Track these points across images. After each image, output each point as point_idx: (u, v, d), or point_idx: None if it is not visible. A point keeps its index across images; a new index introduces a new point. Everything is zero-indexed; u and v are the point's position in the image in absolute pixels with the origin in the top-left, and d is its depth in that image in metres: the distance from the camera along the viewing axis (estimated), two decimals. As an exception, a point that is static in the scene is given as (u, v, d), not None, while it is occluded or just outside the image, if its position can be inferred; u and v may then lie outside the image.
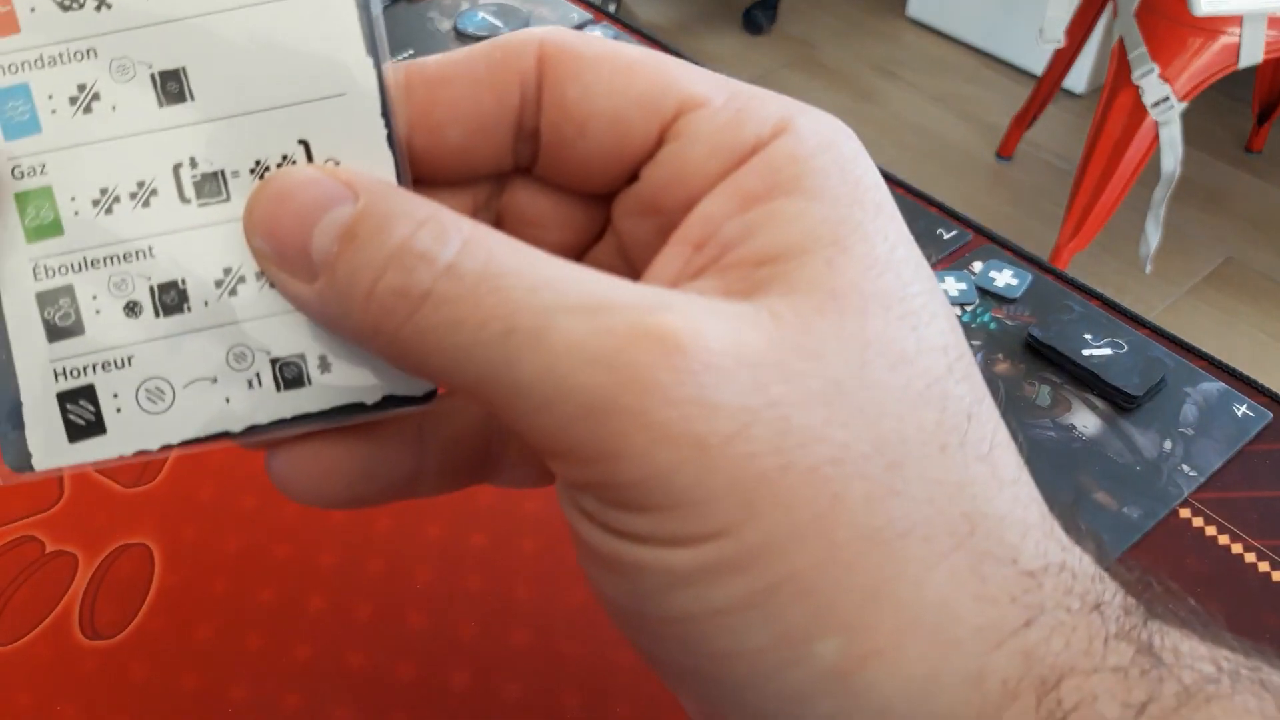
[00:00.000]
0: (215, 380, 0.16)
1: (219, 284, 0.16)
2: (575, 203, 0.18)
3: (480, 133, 0.17)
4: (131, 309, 0.16)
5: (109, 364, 0.16)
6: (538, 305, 0.14)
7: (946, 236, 0.37)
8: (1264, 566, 0.27)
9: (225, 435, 0.16)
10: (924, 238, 0.37)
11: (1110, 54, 1.15)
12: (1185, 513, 0.29)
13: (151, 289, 0.16)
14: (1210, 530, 0.28)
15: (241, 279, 0.16)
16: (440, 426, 0.18)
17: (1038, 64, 1.48)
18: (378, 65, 0.16)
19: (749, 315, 0.14)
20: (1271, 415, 0.31)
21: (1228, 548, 0.28)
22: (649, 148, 0.17)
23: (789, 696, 0.14)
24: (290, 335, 0.16)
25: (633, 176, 0.17)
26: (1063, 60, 1.32)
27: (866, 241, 0.15)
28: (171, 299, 0.16)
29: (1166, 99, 1.06)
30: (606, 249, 0.18)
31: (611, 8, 1.51)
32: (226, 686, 0.25)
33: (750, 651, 0.14)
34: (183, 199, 0.16)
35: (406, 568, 0.27)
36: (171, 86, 0.16)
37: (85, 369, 0.16)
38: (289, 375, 0.16)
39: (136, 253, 0.16)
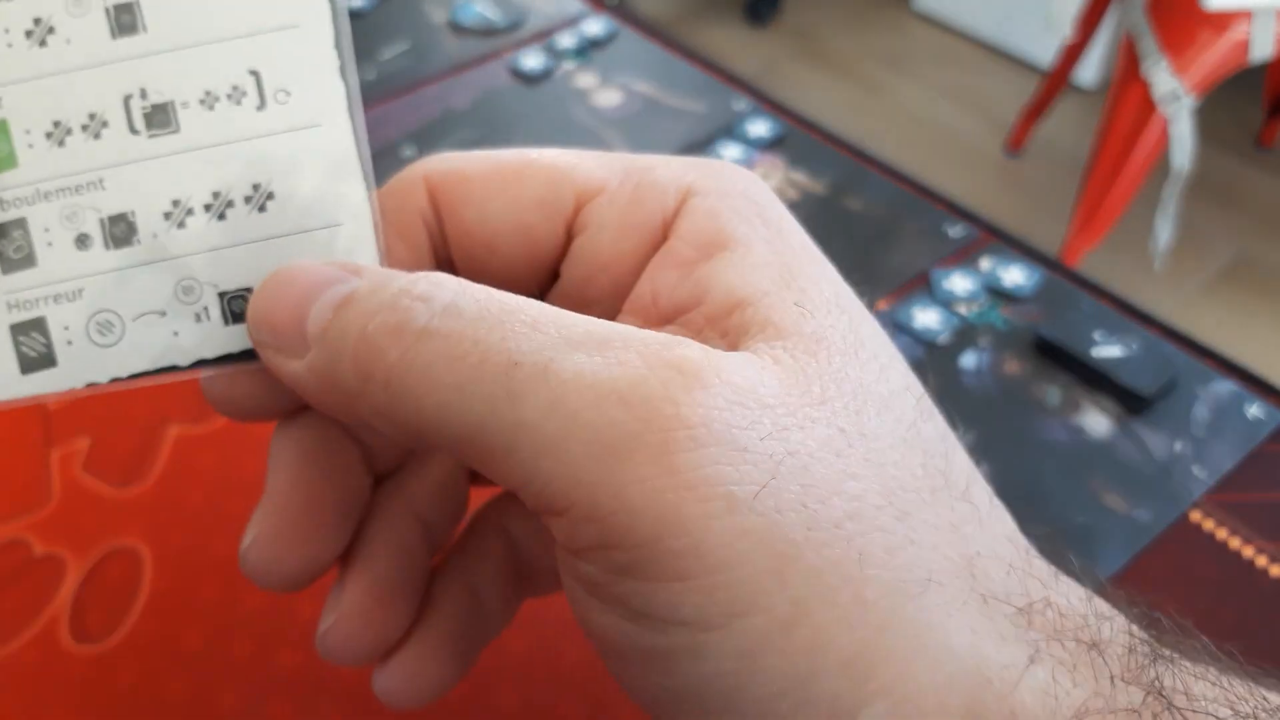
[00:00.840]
0: (164, 314, 0.16)
1: (168, 216, 0.16)
2: None
3: (494, 234, 0.17)
4: (82, 241, 0.16)
5: (60, 296, 0.16)
6: (542, 340, 0.13)
7: (954, 233, 0.37)
8: (1276, 570, 0.27)
9: (173, 369, 0.16)
10: (930, 234, 0.37)
11: (1119, 47, 1.14)
12: (1196, 515, 0.28)
13: (101, 221, 0.16)
14: (1221, 533, 0.28)
15: (190, 211, 0.16)
16: (479, 573, 0.18)
17: (1046, 57, 1.47)
18: None
19: (757, 358, 0.14)
20: (1285, 416, 0.30)
21: (1239, 551, 0.27)
22: (560, 246, 0.17)
23: None
24: (238, 269, 0.16)
25: (555, 276, 0.17)
26: (1072, 54, 1.31)
27: (815, 283, 0.15)
28: (121, 231, 0.16)
29: (1176, 94, 1.05)
30: None
31: (613, 0, 1.51)
32: (216, 692, 0.25)
33: None
34: (132, 130, 0.16)
35: (400, 572, 0.27)
36: (125, 19, 0.16)
37: (37, 301, 0.16)
38: (237, 309, 0.16)
39: (88, 184, 0.16)
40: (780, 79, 1.60)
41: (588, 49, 0.47)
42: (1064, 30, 1.24)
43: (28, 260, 0.16)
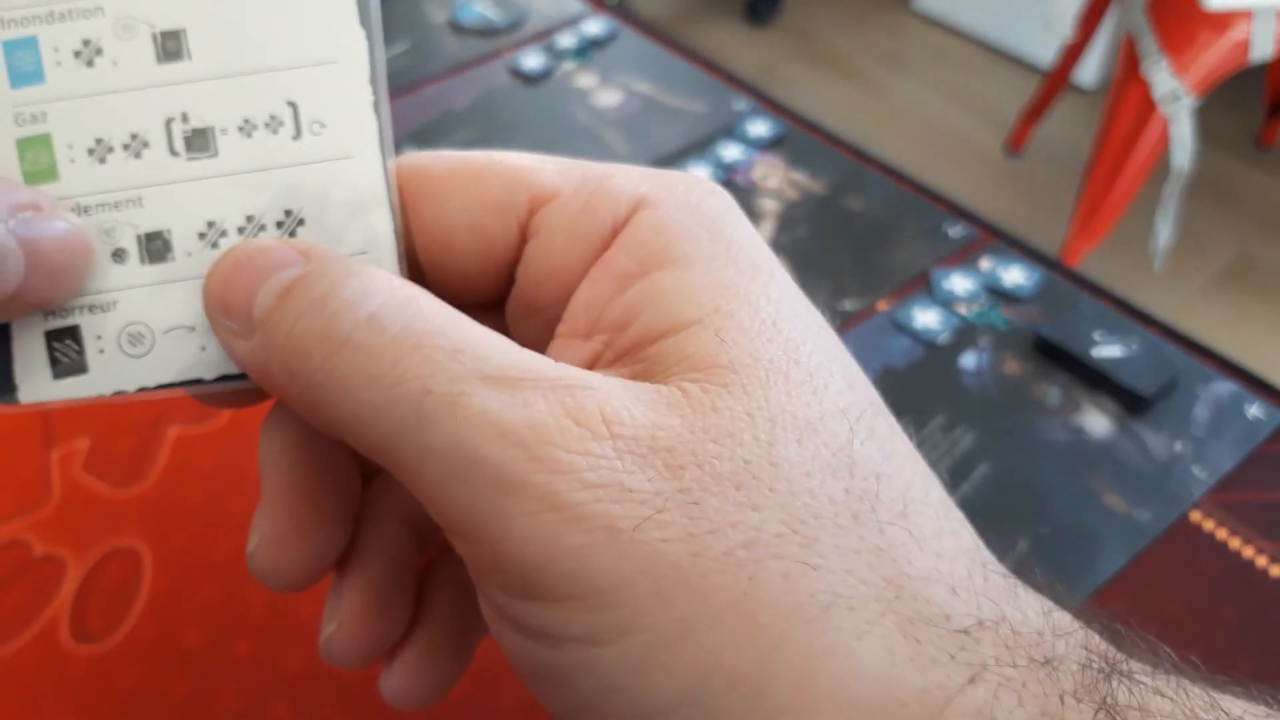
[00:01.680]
0: (193, 329, 0.17)
1: (202, 236, 0.17)
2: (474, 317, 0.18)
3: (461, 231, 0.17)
4: (119, 255, 0.17)
5: (95, 307, 0.17)
6: (457, 370, 0.14)
7: (954, 233, 0.37)
8: (1275, 570, 0.27)
9: (198, 382, 0.17)
10: (931, 234, 0.37)
11: (1119, 48, 1.14)
12: (1196, 515, 0.28)
13: (138, 237, 0.17)
14: (1221, 533, 0.28)
15: (223, 233, 0.17)
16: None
17: (1046, 57, 1.47)
18: (369, 36, 0.17)
19: (664, 397, 0.14)
20: (1285, 416, 0.30)
21: (1239, 551, 0.27)
22: (514, 249, 0.17)
23: None
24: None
25: (511, 280, 0.17)
26: (1072, 54, 1.31)
27: (750, 305, 0.15)
28: (157, 248, 0.17)
29: (1176, 94, 1.05)
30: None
31: (613, 0, 1.51)
32: (216, 693, 0.25)
33: None
34: (172, 152, 0.17)
35: (400, 572, 0.27)
36: (171, 45, 0.17)
37: (72, 310, 0.17)
38: None
39: (126, 201, 0.17)
40: (780, 79, 1.60)
41: (588, 49, 0.47)
42: (1064, 30, 1.24)
43: (85, 280, 0.17)
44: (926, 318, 0.33)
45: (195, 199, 0.17)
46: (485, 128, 0.43)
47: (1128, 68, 1.10)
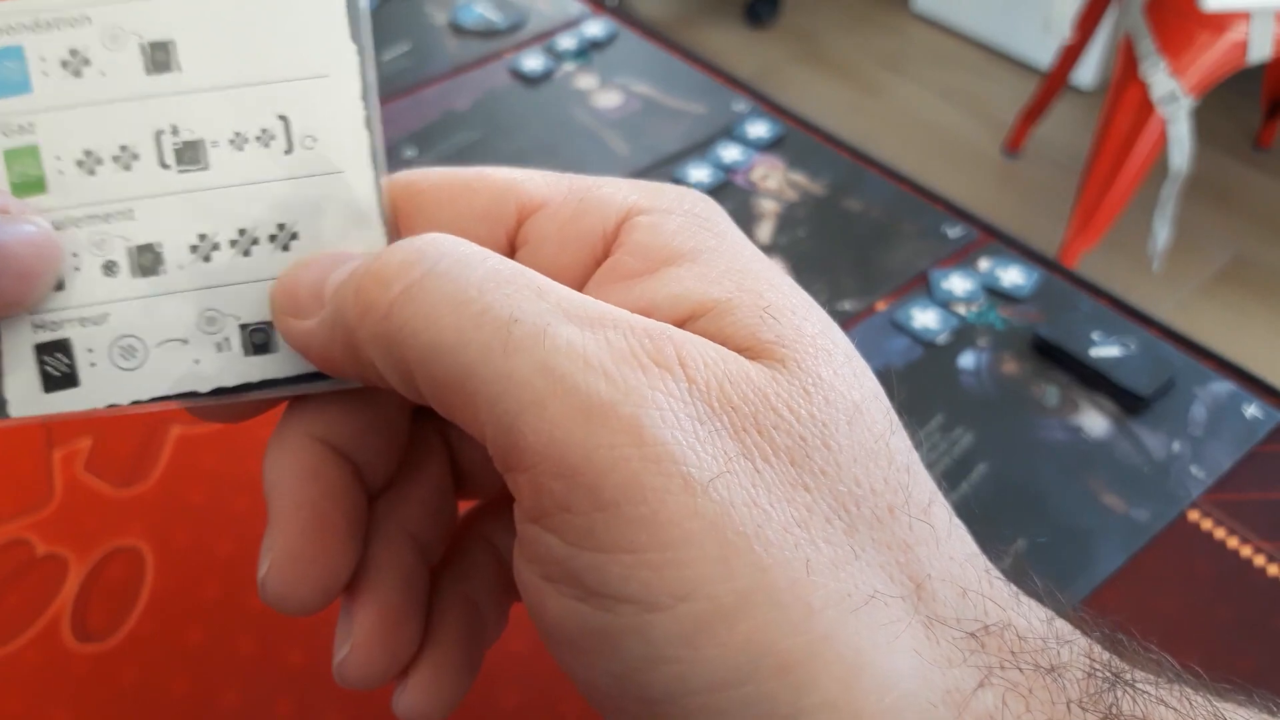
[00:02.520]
0: (186, 341, 0.17)
1: (194, 249, 0.17)
2: None
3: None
4: (109, 268, 0.17)
5: (85, 320, 0.16)
6: (544, 307, 0.14)
7: (952, 234, 0.37)
8: (1274, 570, 0.27)
9: (193, 395, 0.17)
10: (929, 235, 0.37)
11: (1118, 49, 1.14)
12: (1194, 515, 0.28)
13: (129, 250, 0.16)
14: (1219, 533, 0.28)
15: (215, 246, 0.17)
16: (474, 584, 0.19)
17: (1045, 58, 1.47)
18: (360, 51, 0.17)
19: (730, 355, 0.14)
20: (1282, 416, 0.30)
21: (1237, 551, 0.27)
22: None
23: None
24: (260, 302, 0.17)
25: None
26: (1070, 55, 1.31)
27: (774, 288, 0.15)
28: (148, 261, 0.17)
29: (1175, 95, 1.05)
30: None
31: (613, 1, 1.51)
32: (218, 692, 0.25)
33: None
34: (163, 164, 0.16)
35: (401, 571, 0.27)
36: (159, 56, 0.16)
37: (62, 323, 0.16)
38: (257, 341, 0.17)
39: (117, 214, 0.16)
40: (780, 80, 1.60)
41: (588, 50, 0.47)
42: (1063, 32, 1.24)
43: (55, 283, 0.16)
44: (925, 318, 0.34)
45: (187, 211, 0.16)
46: (486, 128, 0.43)
47: (1126, 69, 1.10)
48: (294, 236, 0.17)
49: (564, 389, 0.13)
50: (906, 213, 0.38)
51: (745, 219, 0.38)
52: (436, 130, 0.43)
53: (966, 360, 0.32)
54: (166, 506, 0.29)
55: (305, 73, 0.17)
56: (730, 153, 0.41)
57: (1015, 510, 0.28)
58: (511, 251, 0.17)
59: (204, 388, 0.17)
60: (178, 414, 0.31)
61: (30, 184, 0.16)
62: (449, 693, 0.18)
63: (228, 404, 0.17)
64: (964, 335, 0.33)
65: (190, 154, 0.16)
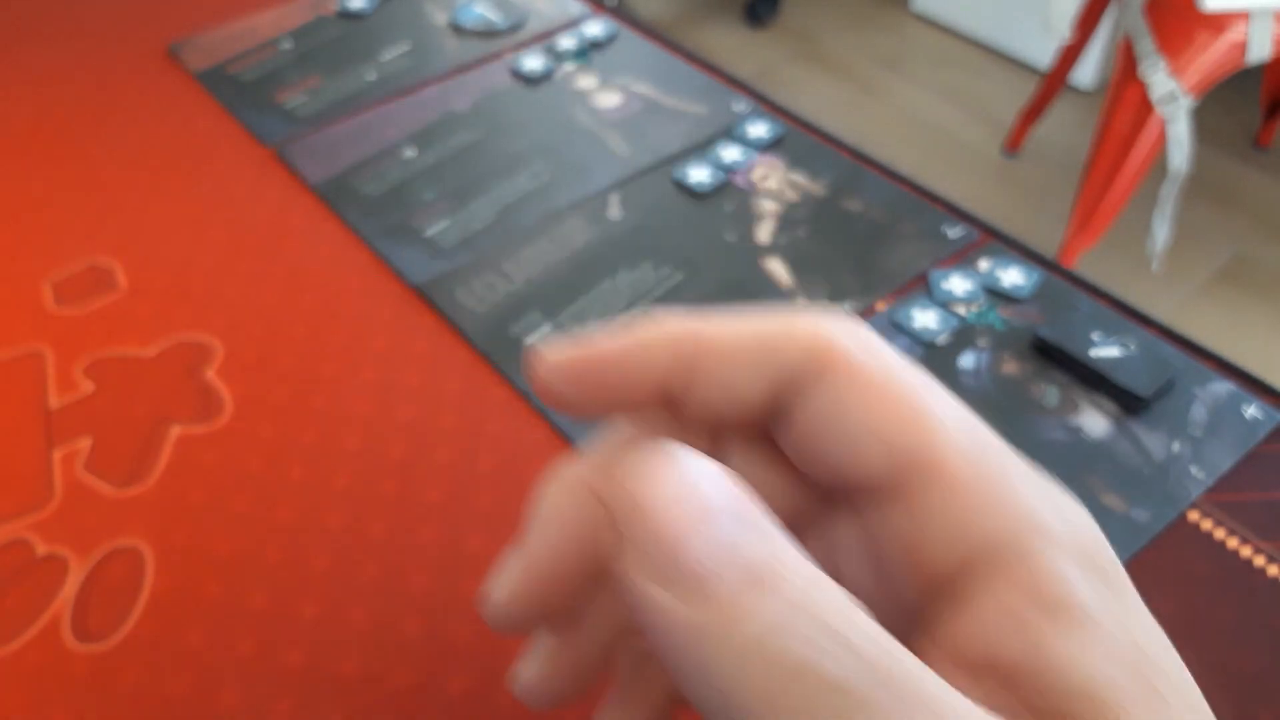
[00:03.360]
0: None
1: None
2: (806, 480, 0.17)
3: (730, 402, 0.16)
4: None
5: None
6: None
7: (952, 234, 0.37)
8: (1273, 570, 0.27)
9: None
10: (930, 235, 0.37)
11: (1117, 49, 1.14)
12: (1194, 515, 0.28)
13: None
14: (1219, 533, 0.28)
15: None
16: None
17: (1044, 58, 1.47)
18: None
19: None
20: (1282, 416, 0.30)
21: (1237, 551, 0.27)
22: (879, 483, 0.16)
23: None
24: None
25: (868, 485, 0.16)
26: (1070, 55, 1.31)
27: (1163, 669, 0.14)
28: None
29: (1174, 95, 1.05)
30: (841, 526, 0.17)
31: (611, 1, 1.51)
32: (218, 692, 0.25)
33: None
34: None
35: (402, 572, 0.27)
36: None
37: None
38: None
39: None
40: (779, 80, 1.60)
41: (588, 50, 0.47)
42: (1063, 33, 1.24)
43: None
44: (925, 318, 0.34)
45: None
46: (486, 129, 0.43)
47: (1126, 69, 1.10)
48: None
49: None
50: (906, 213, 0.38)
51: (745, 219, 0.38)
52: (436, 130, 0.43)
53: (966, 360, 0.32)
54: (166, 507, 0.29)
55: None
56: (730, 153, 0.41)
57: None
58: (897, 487, 0.16)
59: None
60: (179, 414, 0.31)
61: None
62: (571, 687, 0.18)
63: None
64: (964, 335, 0.33)
65: None
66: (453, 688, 0.25)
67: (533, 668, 0.18)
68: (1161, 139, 1.09)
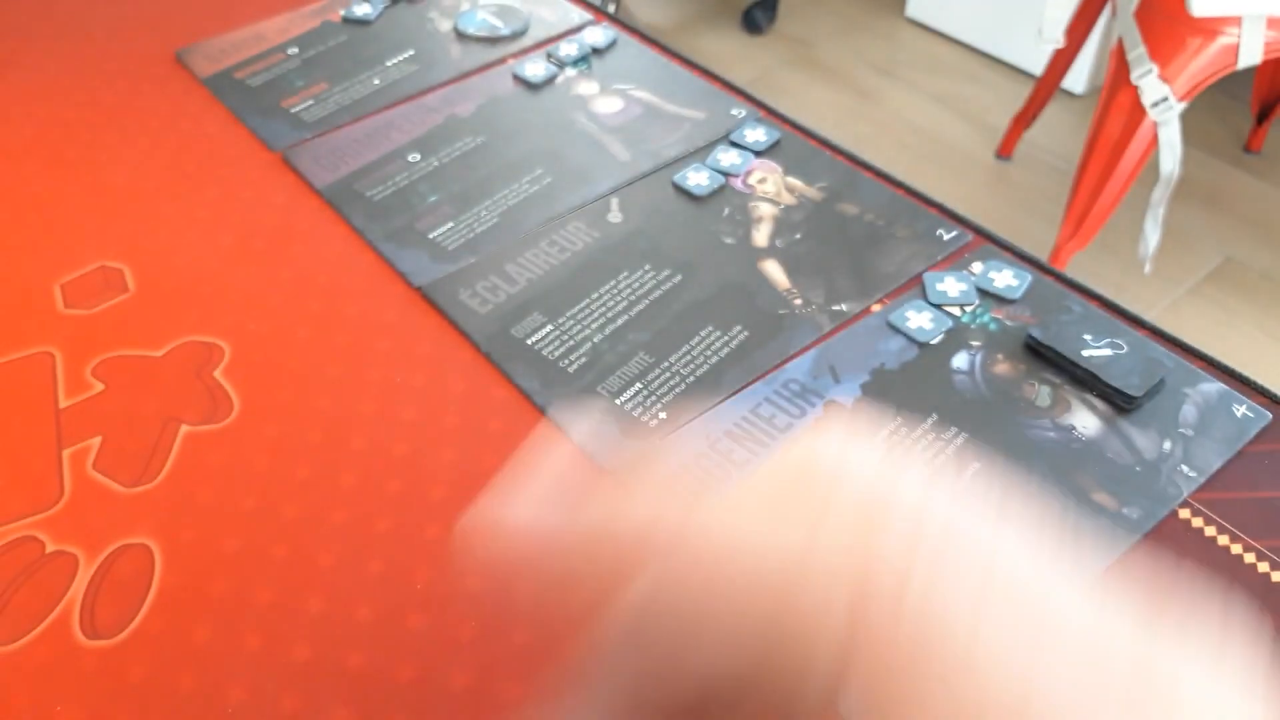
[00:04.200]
0: None
1: None
2: None
3: None
4: None
5: None
6: None
7: (946, 237, 0.37)
8: (1264, 567, 0.27)
9: None
10: (924, 238, 0.37)
11: (1109, 54, 1.15)
12: (1185, 513, 0.29)
13: None
14: (1210, 531, 0.28)
15: None
16: None
17: (1037, 64, 1.48)
18: None
19: None
20: (1271, 416, 0.31)
21: (1227, 548, 0.28)
22: None
23: None
24: None
25: None
26: (1062, 60, 1.32)
27: None
28: None
29: (1166, 99, 1.06)
30: None
31: (611, 8, 1.51)
32: (225, 687, 0.25)
33: None
34: None
35: (406, 569, 0.27)
36: None
37: None
38: None
39: None
40: (776, 86, 1.61)
41: (589, 57, 0.47)
42: (1055, 40, 1.25)
43: None
44: (920, 319, 0.34)
45: None
46: (489, 133, 0.43)
47: (1117, 73, 1.11)
48: None
49: None
50: (901, 216, 0.38)
51: (743, 222, 0.39)
52: (440, 135, 0.43)
53: (960, 361, 0.33)
54: (175, 504, 0.29)
55: None
56: (728, 157, 0.41)
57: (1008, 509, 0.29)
58: None
59: None
60: (187, 413, 0.32)
61: None
62: None
63: None
64: (957, 336, 0.34)
65: None
66: (456, 682, 0.25)
67: None
68: (1153, 143, 1.10)
